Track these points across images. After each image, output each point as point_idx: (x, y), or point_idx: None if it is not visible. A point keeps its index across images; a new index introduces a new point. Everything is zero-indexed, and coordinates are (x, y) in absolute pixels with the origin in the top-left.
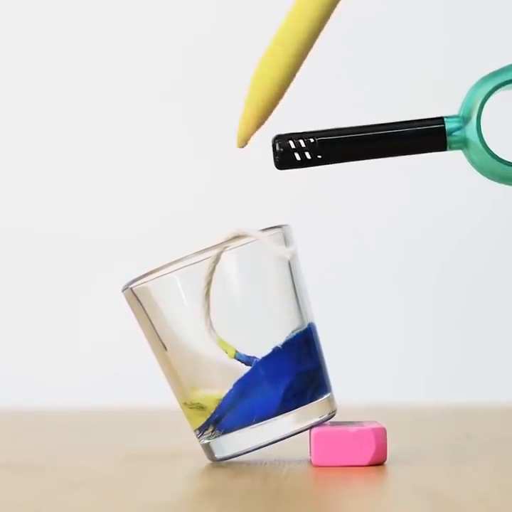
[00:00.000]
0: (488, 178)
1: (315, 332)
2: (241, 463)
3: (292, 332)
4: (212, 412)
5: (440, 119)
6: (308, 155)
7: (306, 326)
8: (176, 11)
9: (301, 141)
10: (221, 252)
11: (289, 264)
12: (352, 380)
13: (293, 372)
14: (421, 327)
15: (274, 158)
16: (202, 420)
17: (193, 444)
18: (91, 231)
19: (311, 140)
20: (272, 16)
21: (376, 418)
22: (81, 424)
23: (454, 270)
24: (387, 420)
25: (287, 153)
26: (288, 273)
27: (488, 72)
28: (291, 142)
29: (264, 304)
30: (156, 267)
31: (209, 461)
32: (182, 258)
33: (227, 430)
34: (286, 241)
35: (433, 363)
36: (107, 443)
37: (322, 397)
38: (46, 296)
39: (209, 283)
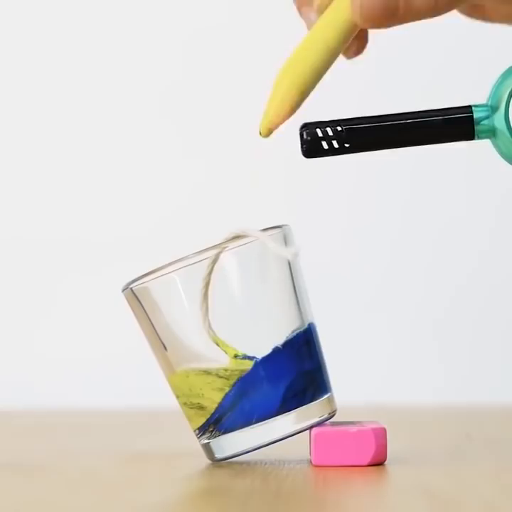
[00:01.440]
0: None
1: (315, 332)
2: (241, 463)
3: (292, 332)
4: (212, 412)
5: (468, 108)
6: (335, 143)
7: (306, 326)
8: (167, 14)
9: (329, 130)
10: (219, 253)
11: (289, 264)
12: (352, 380)
13: (293, 372)
14: (421, 327)
15: (302, 147)
16: (202, 420)
17: (193, 444)
18: (90, 231)
19: (339, 128)
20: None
21: (376, 418)
22: (81, 424)
23: (455, 270)
24: (387, 420)
25: (314, 142)
26: (288, 273)
27: None
28: (318, 130)
29: (264, 304)
30: (156, 267)
31: (209, 461)
32: (182, 258)
33: (227, 430)
34: (286, 241)
35: (433, 363)
36: (107, 443)
37: (322, 397)
38: (46, 296)
39: (207, 284)
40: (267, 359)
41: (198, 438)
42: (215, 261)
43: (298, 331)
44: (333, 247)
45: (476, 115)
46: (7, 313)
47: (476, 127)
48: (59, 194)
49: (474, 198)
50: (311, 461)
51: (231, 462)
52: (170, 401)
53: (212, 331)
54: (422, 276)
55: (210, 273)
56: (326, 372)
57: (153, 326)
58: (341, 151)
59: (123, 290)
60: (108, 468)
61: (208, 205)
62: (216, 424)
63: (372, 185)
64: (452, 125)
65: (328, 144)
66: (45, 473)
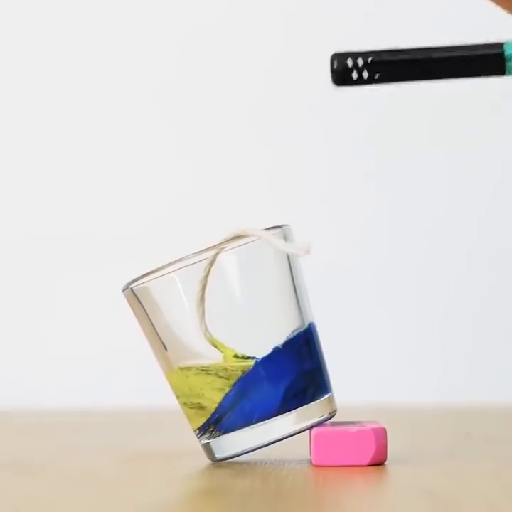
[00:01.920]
0: None
1: (315, 332)
2: (241, 463)
3: (292, 332)
4: (212, 412)
5: (500, 45)
6: (365, 74)
7: (306, 326)
8: (162, 14)
9: (360, 60)
10: (217, 254)
11: (289, 263)
12: (352, 380)
13: (293, 372)
14: (422, 327)
15: (332, 75)
16: (202, 420)
17: (193, 444)
18: (91, 231)
19: (370, 59)
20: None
21: (376, 418)
22: (81, 423)
23: (455, 270)
24: (387, 420)
25: (345, 72)
26: (288, 273)
27: None
28: (349, 60)
29: (264, 304)
30: (156, 267)
31: (209, 461)
32: (182, 258)
33: (227, 430)
34: (285, 241)
35: (433, 363)
36: (107, 443)
37: (322, 397)
38: (46, 295)
39: (203, 287)
40: (267, 359)
41: (198, 438)
42: (212, 263)
43: (298, 330)
44: (333, 246)
45: (507, 52)
46: (7, 312)
47: (507, 63)
48: (58, 193)
49: (475, 197)
50: (311, 461)
51: (231, 462)
52: (170, 401)
53: (209, 333)
54: (423, 275)
55: (206, 275)
56: (326, 372)
57: (153, 326)
58: (371, 81)
59: (123, 290)
60: (108, 468)
61: (208, 205)
62: (216, 424)
63: (372, 184)
64: (483, 60)
65: (358, 74)
66: (45, 473)
